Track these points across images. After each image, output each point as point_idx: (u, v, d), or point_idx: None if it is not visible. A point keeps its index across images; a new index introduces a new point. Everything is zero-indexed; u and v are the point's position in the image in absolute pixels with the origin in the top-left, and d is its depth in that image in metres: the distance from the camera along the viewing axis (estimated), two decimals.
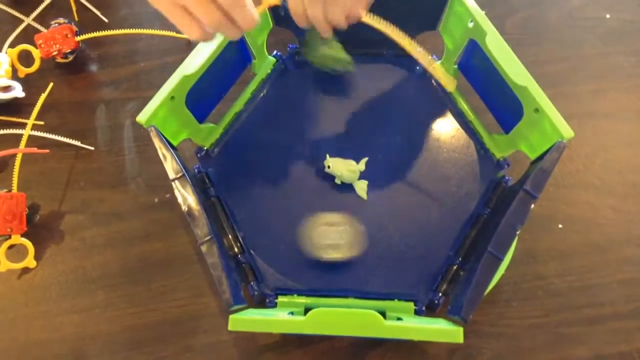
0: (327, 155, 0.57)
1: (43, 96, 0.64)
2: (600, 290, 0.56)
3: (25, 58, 0.65)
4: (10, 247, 0.58)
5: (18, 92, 0.63)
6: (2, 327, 0.56)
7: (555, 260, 0.57)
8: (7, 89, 0.63)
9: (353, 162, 0.57)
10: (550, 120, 0.49)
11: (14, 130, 0.61)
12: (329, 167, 0.57)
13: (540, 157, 0.51)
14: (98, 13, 0.71)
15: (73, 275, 0.58)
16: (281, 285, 0.54)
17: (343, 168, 0.57)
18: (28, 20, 0.69)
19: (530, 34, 0.69)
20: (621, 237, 0.58)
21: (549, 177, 0.48)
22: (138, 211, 0.60)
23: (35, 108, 0.62)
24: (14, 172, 0.58)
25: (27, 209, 0.58)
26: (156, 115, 0.51)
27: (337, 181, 0.57)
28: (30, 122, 0.61)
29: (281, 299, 0.54)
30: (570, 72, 0.66)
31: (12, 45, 0.66)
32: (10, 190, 0.58)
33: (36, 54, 0.65)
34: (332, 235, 0.54)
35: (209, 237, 0.48)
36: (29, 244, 0.58)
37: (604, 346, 0.54)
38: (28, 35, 0.67)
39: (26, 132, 0.60)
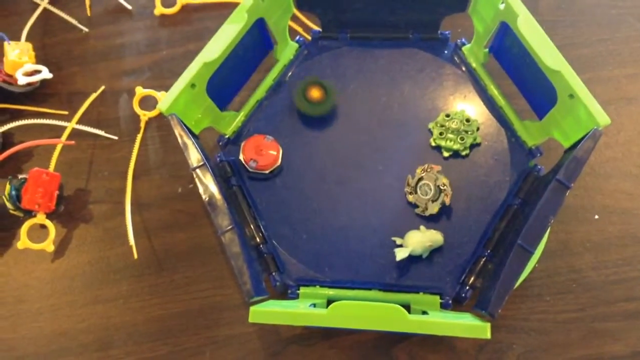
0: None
1: None
2: (638, 284, 0.54)
3: None
4: (34, 227, 0.57)
5: (45, 73, 0.63)
6: (28, 317, 0.56)
7: (590, 252, 0.55)
8: (33, 73, 0.63)
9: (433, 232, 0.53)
10: (585, 106, 0.47)
11: (38, 120, 0.61)
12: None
13: (575, 146, 0.49)
14: (122, 1, 0.70)
15: (97, 265, 0.58)
16: (303, 276, 0.53)
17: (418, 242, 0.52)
18: (44, 4, 0.69)
19: (565, 16, 0.66)
20: None
21: (584, 167, 0.46)
22: (161, 201, 0.60)
23: (89, 99, 0.64)
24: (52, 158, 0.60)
25: (58, 191, 0.58)
26: (177, 104, 0.50)
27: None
28: (77, 117, 0.62)
29: (303, 290, 0.53)
30: (608, 56, 0.63)
31: (32, 31, 0.67)
32: None
33: None
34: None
35: (230, 227, 0.47)
36: (51, 226, 0.58)
37: None
38: (49, 23, 0.68)
39: (70, 126, 0.61)
